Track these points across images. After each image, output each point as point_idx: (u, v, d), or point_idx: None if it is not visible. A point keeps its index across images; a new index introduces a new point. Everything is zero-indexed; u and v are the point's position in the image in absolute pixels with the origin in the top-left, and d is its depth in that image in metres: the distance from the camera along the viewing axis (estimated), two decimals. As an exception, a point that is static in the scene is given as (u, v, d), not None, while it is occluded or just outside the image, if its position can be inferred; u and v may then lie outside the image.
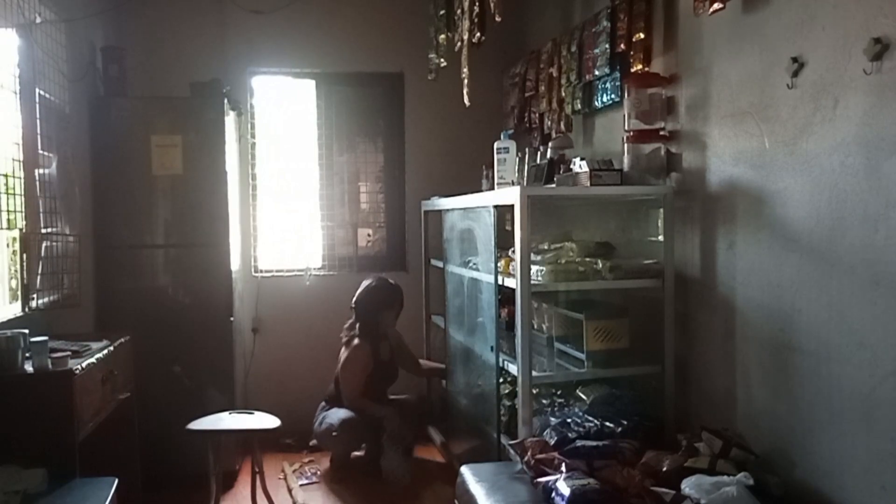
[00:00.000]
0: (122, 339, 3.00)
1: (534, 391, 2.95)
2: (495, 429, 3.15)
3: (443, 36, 4.01)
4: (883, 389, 1.92)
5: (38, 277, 2.88)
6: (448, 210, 3.92)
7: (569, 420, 2.78)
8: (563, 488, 2.16)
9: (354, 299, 4.03)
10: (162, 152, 3.73)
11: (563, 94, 3.70)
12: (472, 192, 3.66)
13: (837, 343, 2.08)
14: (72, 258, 3.21)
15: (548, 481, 2.27)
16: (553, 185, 3.15)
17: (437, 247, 4.24)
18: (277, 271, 4.62)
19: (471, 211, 3.50)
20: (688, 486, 2.12)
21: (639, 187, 2.92)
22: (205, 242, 3.79)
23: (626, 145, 2.97)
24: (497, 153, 3.34)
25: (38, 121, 2.94)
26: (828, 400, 2.12)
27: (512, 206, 2.76)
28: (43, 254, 2.93)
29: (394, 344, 4.13)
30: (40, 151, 2.97)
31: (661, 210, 2.84)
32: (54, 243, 3.05)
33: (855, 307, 2.01)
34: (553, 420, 2.81)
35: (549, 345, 3.18)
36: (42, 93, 2.99)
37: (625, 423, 2.70)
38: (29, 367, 2.36)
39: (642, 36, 2.97)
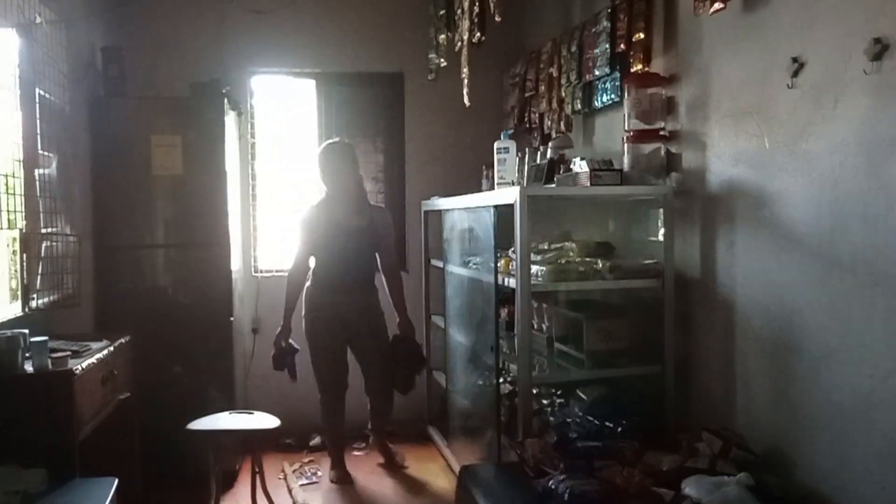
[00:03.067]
0: (122, 339, 3.00)
1: (534, 391, 2.95)
2: (495, 429, 3.15)
3: (443, 36, 4.01)
4: (883, 389, 1.92)
5: (38, 277, 2.88)
6: (448, 210, 3.92)
7: (569, 420, 2.78)
8: (563, 488, 2.16)
9: None
10: (162, 152, 3.73)
11: (563, 94, 3.70)
12: (472, 192, 3.66)
13: (837, 343, 2.08)
14: (72, 258, 3.21)
15: (548, 481, 2.27)
16: (553, 185, 3.15)
17: (437, 247, 4.24)
18: (277, 271, 4.61)
19: (471, 211, 3.50)
20: (688, 486, 2.12)
21: (639, 187, 2.92)
22: (205, 242, 3.79)
23: (626, 145, 2.97)
24: (497, 153, 3.34)
25: (38, 121, 2.94)
26: (828, 400, 2.12)
27: (512, 206, 2.76)
28: (43, 254, 2.93)
29: (375, 219, 3.78)
30: (40, 151, 2.97)
31: (661, 210, 2.84)
32: (54, 243, 3.05)
33: (855, 307, 2.01)
34: (553, 420, 2.81)
35: (549, 345, 3.18)
36: (42, 93, 2.99)
37: (625, 423, 2.70)
38: (29, 367, 2.35)
39: (642, 36, 2.97)
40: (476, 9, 3.44)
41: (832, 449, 2.11)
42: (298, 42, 4.54)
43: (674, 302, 2.81)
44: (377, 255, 3.78)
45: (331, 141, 3.76)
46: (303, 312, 3.70)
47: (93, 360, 2.56)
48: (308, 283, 3.72)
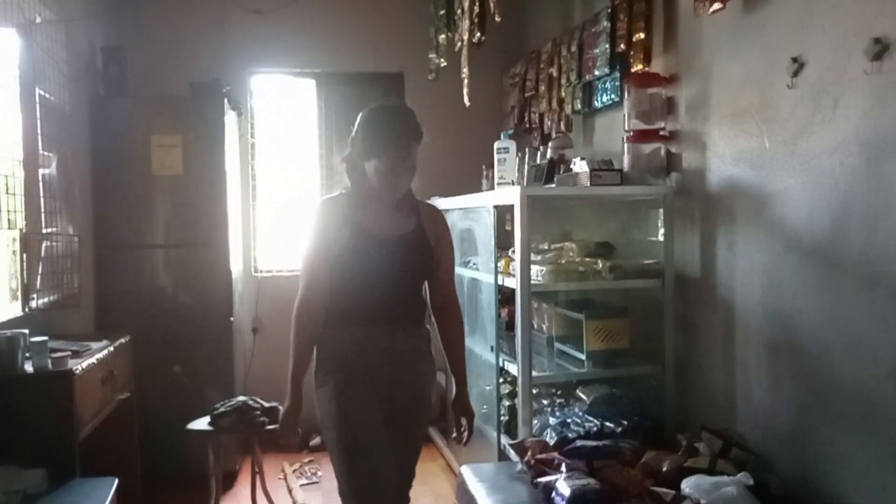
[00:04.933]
0: (122, 339, 3.00)
1: (534, 391, 2.95)
2: (495, 429, 3.14)
3: (443, 36, 4.01)
4: (883, 389, 1.92)
5: (38, 277, 2.88)
6: (448, 210, 3.92)
7: (569, 420, 2.78)
8: (563, 488, 2.16)
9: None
10: (162, 152, 3.73)
11: (563, 94, 3.70)
12: (472, 192, 3.66)
13: (837, 343, 2.08)
14: (72, 258, 3.21)
15: (548, 481, 2.27)
16: (553, 185, 3.15)
17: (437, 247, 4.22)
18: (277, 271, 4.62)
19: (471, 211, 3.50)
20: (688, 486, 2.12)
21: (639, 187, 2.92)
22: (205, 242, 3.79)
23: (626, 145, 2.97)
24: (497, 153, 3.34)
25: (38, 121, 2.94)
26: (828, 400, 2.12)
27: (512, 206, 2.76)
28: (43, 254, 2.93)
29: (426, 223, 2.29)
30: (41, 151, 2.97)
31: (661, 210, 2.84)
32: (54, 243, 3.05)
33: (855, 307, 2.01)
34: (553, 420, 2.81)
35: (549, 345, 3.18)
36: (42, 93, 2.99)
37: (625, 423, 2.70)
38: (29, 367, 2.36)
39: (642, 36, 2.97)
40: (476, 9, 3.44)
41: (832, 449, 2.11)
42: (298, 42, 4.54)
43: (674, 302, 2.81)
44: (427, 280, 2.28)
45: (389, 102, 2.39)
46: (313, 374, 2.20)
47: (93, 360, 2.56)
48: (322, 328, 2.21)
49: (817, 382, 2.15)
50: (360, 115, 2.27)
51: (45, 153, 3.02)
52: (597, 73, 3.32)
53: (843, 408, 2.06)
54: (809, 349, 2.19)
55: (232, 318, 3.86)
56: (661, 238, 2.86)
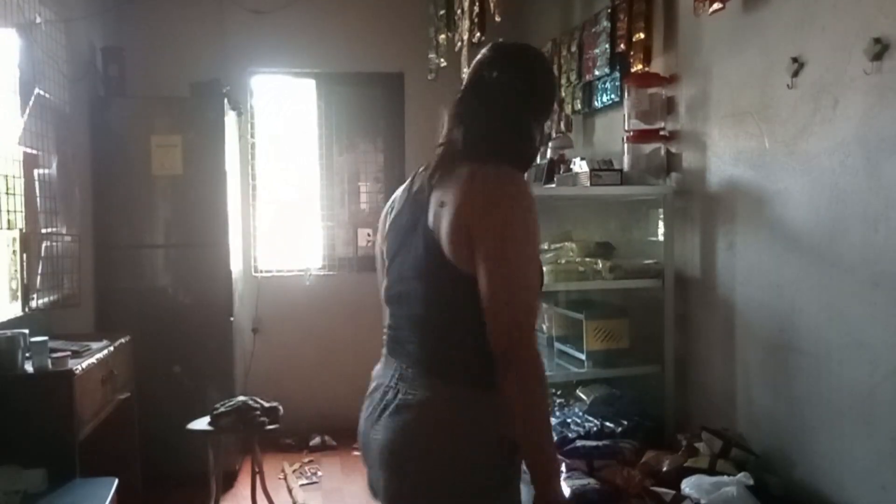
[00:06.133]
0: (122, 339, 3.00)
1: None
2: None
3: (443, 36, 4.01)
4: (883, 389, 1.92)
5: (38, 277, 2.88)
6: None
7: (569, 420, 2.78)
8: (564, 488, 2.15)
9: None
10: (162, 152, 3.73)
11: (563, 94, 3.70)
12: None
13: (837, 343, 2.08)
14: (72, 258, 3.21)
15: (548, 481, 2.27)
16: (553, 185, 3.15)
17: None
18: (277, 271, 4.62)
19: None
20: (688, 486, 2.12)
21: (639, 187, 2.92)
22: (205, 242, 3.79)
23: (626, 145, 2.97)
24: (497, 153, 3.33)
25: (38, 121, 2.94)
26: (828, 400, 2.12)
27: (512, 206, 2.76)
28: (43, 254, 2.93)
29: None
30: (40, 151, 2.97)
31: (661, 210, 2.84)
32: (54, 243, 3.05)
33: (855, 307, 2.01)
34: (553, 420, 2.81)
35: (549, 345, 3.18)
36: (42, 93, 2.99)
37: (625, 423, 2.70)
38: (29, 367, 2.35)
39: (642, 36, 2.97)
40: (476, 9, 3.44)
41: (832, 449, 2.11)
42: (298, 42, 4.54)
43: (674, 302, 2.81)
44: None
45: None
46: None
47: (93, 360, 2.56)
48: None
49: (817, 382, 2.15)
50: (530, 57, 1.60)
51: (45, 153, 3.02)
52: (597, 73, 3.32)
53: (843, 408, 2.06)
54: (809, 349, 2.19)
55: (232, 318, 3.86)
56: (661, 238, 2.86)
